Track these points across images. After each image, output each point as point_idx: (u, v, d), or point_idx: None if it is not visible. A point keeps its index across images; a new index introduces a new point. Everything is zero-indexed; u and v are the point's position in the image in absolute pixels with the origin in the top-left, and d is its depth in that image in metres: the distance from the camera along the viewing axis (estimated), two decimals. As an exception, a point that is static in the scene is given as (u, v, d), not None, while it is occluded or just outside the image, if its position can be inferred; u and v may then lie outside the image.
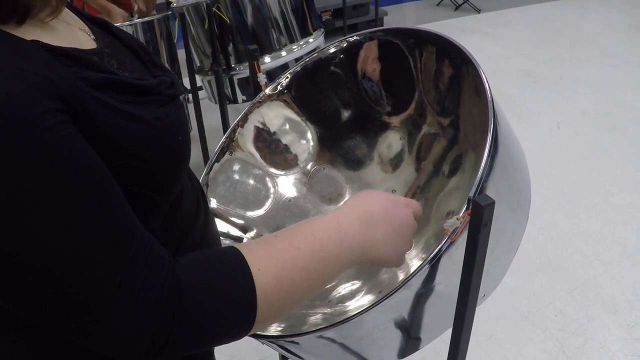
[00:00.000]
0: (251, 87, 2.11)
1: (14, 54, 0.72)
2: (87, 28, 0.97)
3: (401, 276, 1.45)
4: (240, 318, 0.83)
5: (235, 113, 3.47)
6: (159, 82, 0.96)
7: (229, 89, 3.63)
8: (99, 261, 0.72)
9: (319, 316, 1.43)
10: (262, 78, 1.73)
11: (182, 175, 0.98)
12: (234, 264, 0.84)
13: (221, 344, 0.85)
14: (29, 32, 0.78)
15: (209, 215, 1.16)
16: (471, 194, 1.07)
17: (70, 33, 0.89)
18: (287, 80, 1.71)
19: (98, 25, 1.03)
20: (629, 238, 3.48)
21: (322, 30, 3.73)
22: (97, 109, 0.77)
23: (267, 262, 0.86)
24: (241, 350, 2.80)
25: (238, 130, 1.68)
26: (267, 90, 1.71)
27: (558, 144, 4.50)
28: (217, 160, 1.65)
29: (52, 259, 0.70)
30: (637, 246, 3.41)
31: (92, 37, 0.96)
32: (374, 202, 1.07)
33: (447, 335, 1.35)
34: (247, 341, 2.64)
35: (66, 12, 0.93)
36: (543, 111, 5.03)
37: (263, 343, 1.35)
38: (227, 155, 1.67)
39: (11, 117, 0.66)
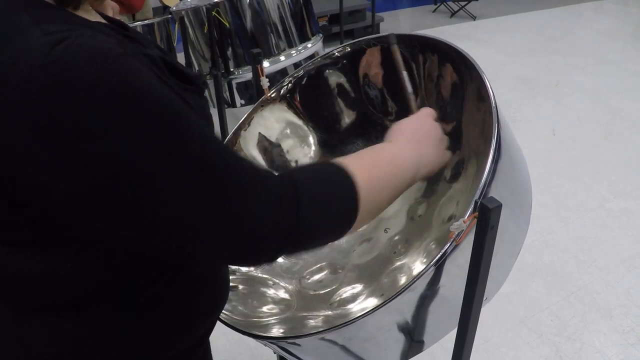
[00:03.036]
0: (254, 91, 2.12)
1: (92, 31, 0.74)
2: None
3: (402, 280, 1.45)
4: (345, 215, 0.95)
5: (233, 117, 3.48)
6: (196, 75, 1.01)
7: (228, 93, 3.64)
8: (227, 164, 0.81)
9: (320, 319, 1.44)
10: (265, 82, 1.74)
11: None
12: (336, 173, 0.96)
13: (332, 239, 1.00)
14: (86, 14, 0.85)
15: None
16: (476, 198, 1.08)
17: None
18: (290, 84, 1.72)
19: (117, 25, 1.06)
20: (624, 244, 3.50)
21: (321, 35, 3.75)
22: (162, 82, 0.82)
23: (360, 167, 0.99)
24: (238, 354, 2.80)
25: (240, 134, 1.69)
26: (270, 94, 1.72)
27: (553, 150, 4.52)
28: None
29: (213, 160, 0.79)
30: (633, 252, 3.42)
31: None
32: (408, 124, 1.25)
33: (445, 340, 1.36)
34: (243, 344, 2.65)
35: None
36: (538, 117, 5.05)
37: (265, 345, 1.36)
38: None
39: (119, 65, 0.70)
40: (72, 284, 0.86)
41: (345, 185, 0.95)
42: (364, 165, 1.01)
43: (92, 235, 0.79)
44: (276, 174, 0.92)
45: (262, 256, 0.88)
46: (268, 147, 1.74)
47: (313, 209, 0.89)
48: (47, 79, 0.66)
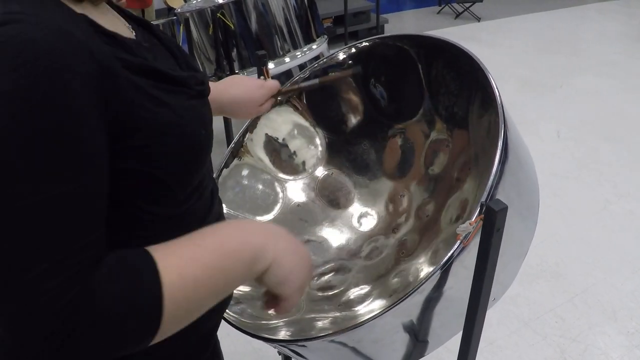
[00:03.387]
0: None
1: (62, 18, 0.75)
2: (127, 23, 1.01)
3: (411, 280, 1.46)
4: (146, 322, 0.79)
5: (237, 119, 3.48)
6: (189, 76, 1.00)
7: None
8: (46, 238, 0.71)
9: (328, 321, 1.44)
10: (271, 84, 1.74)
11: (200, 168, 1.01)
12: (144, 268, 0.80)
13: (125, 351, 0.80)
14: (81, 8, 0.84)
15: (221, 216, 1.18)
16: (482, 200, 1.08)
17: (113, 22, 0.94)
18: (296, 85, 1.72)
19: (140, 24, 1.08)
20: (628, 246, 3.49)
21: (326, 37, 3.75)
22: (127, 88, 0.81)
23: (172, 262, 0.83)
24: (243, 356, 2.80)
25: (247, 136, 1.70)
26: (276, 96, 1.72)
27: (557, 152, 4.52)
28: (227, 165, 1.66)
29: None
30: (637, 254, 3.42)
31: (132, 31, 1.00)
32: (278, 227, 1.03)
33: (450, 343, 1.37)
34: (248, 345, 2.65)
35: (109, 8, 0.98)
36: (542, 119, 5.05)
37: (275, 347, 1.37)
38: (236, 161, 1.69)
39: (45, 65, 0.70)
40: None
41: (150, 296, 0.79)
42: (176, 260, 0.84)
43: None
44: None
45: (23, 346, 0.75)
46: (275, 148, 1.74)
47: (97, 321, 0.74)
48: None
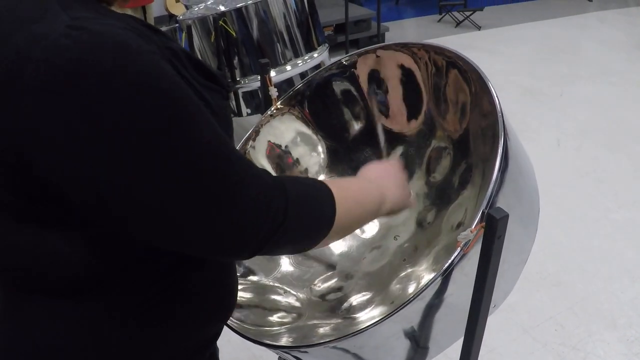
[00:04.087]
0: (261, 101, 2.14)
1: (116, 21, 0.77)
2: None
3: (412, 287, 1.46)
4: (325, 218, 1.01)
5: (239, 126, 3.49)
6: (221, 75, 1.03)
7: (234, 102, 3.65)
8: (228, 159, 0.83)
9: (330, 327, 1.45)
10: (273, 91, 1.75)
11: None
12: (321, 186, 1.03)
13: (304, 247, 1.06)
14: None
15: None
16: (483, 208, 1.09)
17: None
18: (299, 94, 1.73)
19: (152, 30, 1.09)
20: (628, 254, 3.50)
21: (327, 45, 3.76)
22: (186, 77, 0.86)
23: (334, 184, 1.04)
24: (244, 362, 2.81)
25: (250, 143, 1.71)
26: (279, 104, 1.73)
27: (558, 160, 4.53)
28: None
29: (207, 154, 0.80)
30: (636, 262, 3.42)
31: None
32: (375, 167, 1.38)
33: (450, 350, 1.37)
34: (247, 351, 2.66)
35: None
36: (543, 128, 5.06)
37: (277, 353, 1.37)
38: None
39: (142, 59, 0.73)
40: (77, 267, 0.87)
41: (326, 199, 1.01)
42: (341, 190, 1.06)
43: (88, 213, 0.80)
44: (273, 175, 0.95)
45: (242, 251, 0.91)
46: (278, 155, 1.75)
47: (296, 219, 0.92)
48: (63, 61, 0.69)
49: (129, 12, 0.94)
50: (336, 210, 1.01)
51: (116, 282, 0.91)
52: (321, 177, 1.77)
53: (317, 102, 1.75)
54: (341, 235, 1.11)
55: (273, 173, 1.72)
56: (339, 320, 1.47)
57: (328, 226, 1.01)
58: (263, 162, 1.72)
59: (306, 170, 1.77)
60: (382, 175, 1.32)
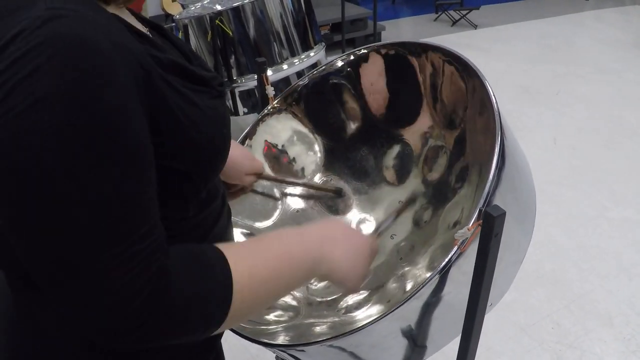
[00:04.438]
0: (258, 100, 2.14)
1: (100, 16, 0.77)
2: (143, 26, 1.02)
3: (409, 286, 1.46)
4: (216, 310, 0.86)
5: (235, 125, 3.49)
6: (212, 76, 1.02)
7: (231, 102, 3.65)
8: (109, 228, 0.74)
9: (326, 326, 1.45)
10: (270, 90, 1.75)
11: (221, 166, 1.04)
12: (215, 260, 0.87)
13: (191, 338, 0.86)
14: (110, 9, 0.85)
15: (230, 217, 1.19)
16: (480, 206, 1.09)
17: (135, 23, 0.96)
18: (296, 92, 1.73)
19: (153, 27, 1.09)
20: (625, 252, 3.50)
21: (323, 44, 3.76)
22: (162, 86, 0.83)
23: (243, 260, 0.90)
24: (241, 361, 2.81)
25: (247, 142, 1.71)
26: (275, 103, 1.73)
27: (554, 159, 4.53)
28: None
29: (68, 211, 0.72)
30: (633, 260, 3.43)
31: (149, 33, 1.01)
32: (336, 225, 1.18)
33: (447, 348, 1.37)
34: (245, 351, 2.65)
35: (128, 12, 0.99)
36: (539, 126, 5.06)
37: (274, 352, 1.37)
38: None
39: (92, 62, 0.71)
40: None
41: (221, 292, 0.86)
42: (251, 261, 0.92)
43: None
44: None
45: (106, 338, 0.79)
46: (275, 155, 1.75)
47: (172, 315, 0.80)
48: (24, 47, 0.69)
49: (125, 13, 0.93)
50: (231, 307, 0.86)
51: None
52: (317, 176, 1.77)
53: (313, 101, 1.75)
54: (246, 317, 0.99)
55: (271, 172, 1.73)
56: (336, 319, 1.47)
57: (214, 326, 0.87)
58: (260, 160, 1.72)
59: (303, 169, 1.77)
60: (337, 238, 1.11)
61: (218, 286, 0.85)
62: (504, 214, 1.05)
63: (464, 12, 8.23)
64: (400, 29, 8.42)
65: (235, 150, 1.48)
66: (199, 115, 0.89)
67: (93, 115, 0.71)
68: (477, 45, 7.31)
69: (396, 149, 1.72)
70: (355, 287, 1.18)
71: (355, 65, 1.70)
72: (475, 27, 8.11)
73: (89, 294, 0.74)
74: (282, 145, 1.77)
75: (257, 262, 0.93)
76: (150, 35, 0.98)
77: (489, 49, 7.12)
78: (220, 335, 1.16)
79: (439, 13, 8.65)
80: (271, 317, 1.48)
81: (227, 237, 1.15)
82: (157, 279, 0.77)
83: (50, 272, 0.75)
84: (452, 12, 8.39)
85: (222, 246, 0.90)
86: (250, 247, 0.97)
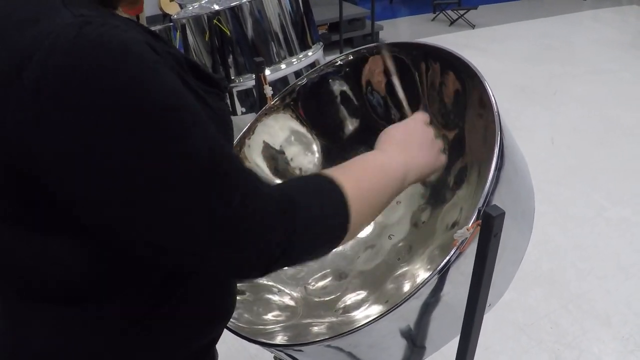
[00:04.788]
0: (256, 99, 2.14)
1: (120, 23, 0.76)
2: None
3: (407, 286, 1.47)
4: (337, 229, 0.94)
5: (234, 125, 3.48)
6: (220, 78, 1.02)
7: (229, 101, 3.64)
8: (226, 173, 0.79)
9: (324, 326, 1.45)
10: (268, 90, 1.75)
11: None
12: (326, 183, 0.95)
13: (324, 252, 0.98)
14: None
15: None
16: (479, 206, 1.09)
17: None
18: (294, 92, 1.73)
19: (150, 34, 1.08)
20: (622, 252, 3.51)
21: (321, 44, 3.76)
22: (185, 84, 0.83)
23: (348, 178, 0.98)
24: (239, 361, 2.80)
25: (245, 142, 1.70)
26: (273, 102, 1.73)
27: (552, 158, 4.53)
28: None
29: (192, 165, 0.76)
30: (631, 260, 3.43)
31: None
32: (397, 130, 1.23)
33: (446, 348, 1.37)
34: (244, 351, 2.65)
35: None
36: (537, 126, 5.06)
37: (272, 352, 1.37)
38: None
39: (142, 57, 0.72)
40: (77, 274, 0.86)
41: (336, 199, 0.94)
42: (353, 176, 1.01)
43: (85, 218, 0.79)
44: (276, 182, 0.93)
45: (255, 269, 0.88)
46: (273, 154, 1.75)
47: (307, 225, 0.88)
48: (60, 63, 0.68)
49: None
50: (350, 217, 0.95)
51: (117, 289, 0.90)
52: None
53: (311, 101, 1.74)
54: (365, 225, 1.06)
55: (268, 172, 1.73)
56: (334, 319, 1.47)
57: (339, 237, 0.96)
58: (258, 160, 1.72)
59: (300, 169, 1.77)
60: (405, 140, 1.20)
61: (337, 203, 0.94)
62: (503, 214, 1.05)
63: (462, 12, 8.23)
64: (398, 29, 8.42)
65: None
66: (210, 116, 0.88)
67: (163, 96, 0.73)
68: (475, 45, 7.31)
69: None
70: (439, 163, 1.26)
71: (355, 65, 1.69)
72: (473, 27, 8.12)
73: (235, 233, 0.79)
74: (280, 145, 1.76)
75: (360, 176, 1.03)
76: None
77: (486, 49, 7.12)
78: (215, 340, 1.16)
79: (437, 13, 8.65)
80: (269, 316, 1.48)
81: None
82: (289, 204, 0.85)
83: (197, 229, 0.78)
84: (449, 12, 8.39)
85: (326, 172, 1.00)
86: (350, 167, 1.07)
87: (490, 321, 2.88)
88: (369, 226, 1.73)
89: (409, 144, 1.19)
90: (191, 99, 0.78)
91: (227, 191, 0.78)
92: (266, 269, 0.87)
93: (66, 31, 0.69)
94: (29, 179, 0.74)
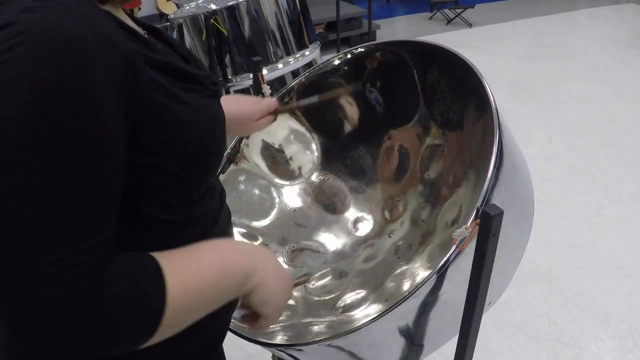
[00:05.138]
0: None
1: (89, 9, 0.76)
2: (139, 28, 1.02)
3: (406, 285, 1.46)
4: (147, 323, 0.81)
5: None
6: (206, 75, 1.01)
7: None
8: (57, 231, 0.71)
9: (324, 325, 1.45)
10: (266, 89, 1.75)
11: (215, 167, 1.04)
12: (151, 271, 0.83)
13: (122, 350, 0.81)
14: (105, 7, 0.85)
15: (230, 217, 1.19)
16: (478, 205, 1.09)
17: (130, 23, 0.95)
18: (292, 91, 1.72)
19: (149, 30, 1.08)
20: (621, 250, 3.50)
21: (319, 43, 3.75)
22: (148, 85, 0.82)
23: (178, 271, 0.86)
24: (238, 361, 2.80)
25: (243, 141, 1.70)
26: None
27: (550, 157, 4.53)
28: (223, 171, 1.66)
29: (17, 202, 0.69)
30: (629, 258, 3.44)
31: (144, 34, 1.01)
32: (269, 253, 1.11)
33: (445, 347, 1.37)
34: (242, 351, 2.65)
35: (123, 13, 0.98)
36: (535, 125, 5.06)
37: (272, 352, 1.37)
38: (232, 166, 1.69)
39: (70, 55, 0.70)
40: None
41: (155, 296, 0.82)
42: (181, 271, 0.87)
43: None
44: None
45: (29, 346, 0.74)
46: (272, 154, 1.75)
47: (97, 329, 0.76)
48: (7, 36, 0.69)
49: (121, 13, 0.93)
50: (164, 310, 0.82)
51: None
52: (314, 175, 1.77)
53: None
54: (177, 328, 0.89)
55: (268, 171, 1.73)
56: (334, 318, 1.47)
57: (154, 320, 0.82)
58: (257, 160, 1.72)
59: (300, 168, 1.77)
60: (269, 257, 1.07)
61: (151, 300, 0.81)
62: (501, 213, 1.05)
63: (459, 11, 8.23)
64: (395, 28, 8.42)
65: (231, 106, 1.34)
66: (188, 114, 0.88)
67: (61, 109, 0.70)
68: (472, 43, 7.31)
69: (393, 147, 1.72)
70: (274, 315, 1.09)
71: (353, 64, 1.69)
72: (470, 25, 8.11)
73: (18, 294, 0.70)
74: (279, 144, 1.76)
75: (192, 272, 0.89)
76: (146, 37, 0.98)
77: (483, 48, 7.12)
78: (221, 340, 1.15)
79: (434, 12, 8.65)
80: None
81: (227, 237, 1.14)
82: (89, 295, 0.73)
83: None
84: (446, 11, 8.38)
85: (158, 255, 0.86)
86: (185, 257, 0.91)
87: (488, 320, 2.89)
88: (368, 225, 1.73)
89: (271, 265, 1.06)
90: (101, 125, 0.74)
91: (44, 248, 0.70)
92: (43, 347, 0.74)
93: (18, 13, 0.70)
94: None
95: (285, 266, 1.64)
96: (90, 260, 0.74)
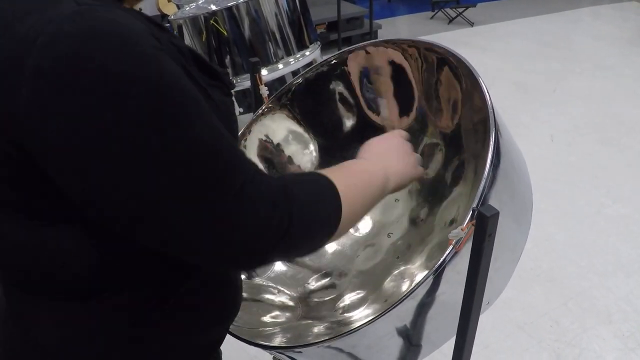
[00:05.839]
0: (252, 100, 2.13)
1: (124, 12, 0.77)
2: None
3: (405, 285, 1.46)
4: (332, 219, 0.96)
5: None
6: (224, 72, 1.01)
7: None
8: (227, 162, 0.80)
9: (324, 326, 1.45)
10: (264, 90, 1.74)
11: None
12: (323, 182, 0.98)
13: (311, 251, 1.01)
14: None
15: None
16: (474, 205, 1.09)
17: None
18: (290, 92, 1.72)
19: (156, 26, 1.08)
20: (622, 249, 3.50)
21: (319, 43, 3.76)
22: (191, 74, 0.84)
23: (340, 179, 1.00)
24: (239, 362, 2.80)
25: (242, 143, 1.70)
26: (270, 102, 1.73)
27: (551, 156, 4.53)
28: None
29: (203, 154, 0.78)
30: (631, 257, 3.43)
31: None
32: (377, 142, 1.29)
33: (444, 347, 1.37)
34: (242, 352, 2.65)
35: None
36: (536, 124, 5.06)
37: (271, 354, 1.37)
38: None
39: (143, 45, 0.73)
40: (82, 267, 0.86)
41: (332, 198, 0.97)
42: (343, 178, 1.02)
43: (85, 206, 0.79)
44: (275, 177, 0.93)
45: (250, 262, 0.90)
46: (270, 154, 1.74)
47: (304, 210, 0.90)
48: (63, 49, 0.68)
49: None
50: (342, 211, 0.97)
51: (122, 283, 0.91)
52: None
53: (308, 100, 1.74)
54: (346, 230, 1.06)
55: (266, 172, 1.72)
56: (333, 320, 1.46)
57: (334, 228, 0.97)
58: (255, 160, 1.71)
59: (299, 167, 1.76)
60: (384, 150, 1.25)
61: (331, 196, 0.96)
62: (497, 214, 1.05)
63: (461, 10, 8.22)
64: (397, 28, 8.41)
65: None
66: (213, 109, 0.88)
67: (174, 87, 0.75)
68: (474, 42, 7.30)
69: None
70: (417, 172, 1.30)
71: (350, 63, 1.69)
72: (471, 24, 8.11)
73: (241, 217, 0.81)
74: (277, 145, 1.76)
75: (348, 178, 1.06)
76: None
77: (485, 47, 7.11)
78: (221, 341, 1.16)
79: (435, 11, 8.64)
80: (268, 318, 1.48)
81: None
82: (287, 198, 0.86)
83: (196, 216, 0.78)
84: (448, 10, 8.38)
85: (322, 172, 1.02)
86: (338, 169, 1.10)
87: (489, 320, 2.88)
88: (368, 224, 1.72)
89: (388, 154, 1.24)
90: (193, 89, 0.78)
91: (228, 178, 0.80)
92: (266, 255, 0.87)
93: (67, 19, 0.70)
94: (30, 164, 0.74)
95: (284, 267, 1.64)
96: (267, 176, 0.89)
